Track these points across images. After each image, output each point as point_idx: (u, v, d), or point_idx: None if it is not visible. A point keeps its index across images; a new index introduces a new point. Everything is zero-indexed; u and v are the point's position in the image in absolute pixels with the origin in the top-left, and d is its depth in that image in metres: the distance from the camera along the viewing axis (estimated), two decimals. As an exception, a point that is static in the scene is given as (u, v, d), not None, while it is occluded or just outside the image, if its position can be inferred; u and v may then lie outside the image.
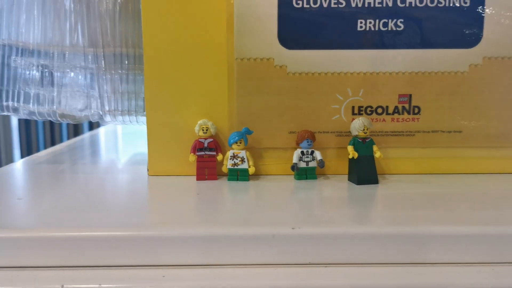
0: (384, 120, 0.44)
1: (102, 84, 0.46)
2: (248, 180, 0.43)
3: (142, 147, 0.64)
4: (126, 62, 0.46)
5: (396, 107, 0.44)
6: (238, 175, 0.43)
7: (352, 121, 0.43)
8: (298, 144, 0.43)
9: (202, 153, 0.43)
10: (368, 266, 0.29)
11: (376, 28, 0.43)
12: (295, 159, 0.43)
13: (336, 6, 0.42)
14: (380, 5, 0.42)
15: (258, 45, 0.43)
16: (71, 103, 0.47)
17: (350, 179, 0.43)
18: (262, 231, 0.30)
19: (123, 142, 0.76)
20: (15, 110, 0.48)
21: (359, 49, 0.43)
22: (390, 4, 0.42)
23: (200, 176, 0.43)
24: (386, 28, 0.43)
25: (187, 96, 0.44)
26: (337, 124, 0.44)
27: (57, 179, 0.45)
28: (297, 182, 0.42)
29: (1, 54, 0.46)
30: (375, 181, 0.42)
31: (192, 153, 0.43)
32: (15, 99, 0.47)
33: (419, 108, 0.44)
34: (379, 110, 0.44)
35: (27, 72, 0.47)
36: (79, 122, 0.49)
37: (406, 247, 0.30)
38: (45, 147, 1.88)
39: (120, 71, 0.47)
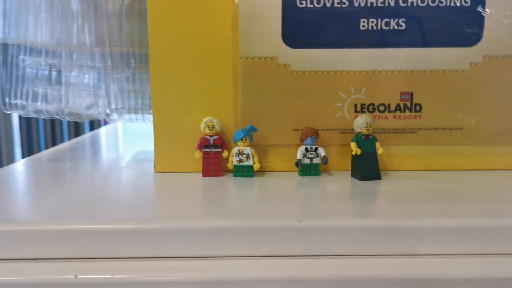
0: (386, 117, 0.45)
1: (109, 83, 0.47)
2: (253, 176, 0.44)
3: (144, 145, 0.65)
4: (133, 61, 0.47)
5: (398, 105, 0.45)
6: (243, 171, 0.44)
7: (355, 118, 0.44)
8: (302, 141, 0.44)
9: (208, 150, 0.44)
10: (372, 258, 0.30)
11: (378, 28, 0.44)
12: (299, 156, 0.44)
13: (339, 6, 0.43)
14: (382, 5, 0.43)
15: (262, 44, 0.44)
16: (79, 102, 0.48)
17: (353, 175, 0.44)
18: (268, 224, 0.30)
19: (125, 141, 0.76)
20: (23, 108, 0.48)
21: (361, 48, 0.44)
22: (392, 4, 0.43)
23: (206, 173, 0.44)
24: (388, 28, 0.44)
25: (192, 94, 0.45)
26: (340, 121, 0.45)
27: (65, 176, 0.46)
28: (301, 178, 0.43)
29: (10, 53, 0.47)
30: (378, 177, 0.43)
31: (198, 150, 0.44)
32: (24, 97, 0.48)
33: (420, 106, 0.45)
34: (381, 108, 0.45)
35: (35, 71, 0.48)
36: (86, 120, 0.50)
37: (409, 239, 0.30)
38: (46, 146, 1.89)
39: (126, 70, 0.47)
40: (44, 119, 1.84)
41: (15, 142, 1.86)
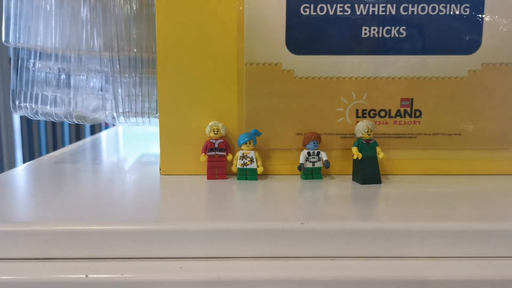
0: (387, 122, 0.46)
1: (116, 87, 0.48)
2: (256, 179, 0.45)
3: (146, 148, 0.66)
4: (140, 66, 0.48)
5: (398, 111, 0.46)
6: (247, 174, 0.45)
7: (356, 123, 0.45)
8: (304, 145, 0.45)
9: (213, 153, 0.45)
10: (373, 260, 0.31)
11: (380, 35, 0.45)
12: (301, 160, 0.45)
13: (341, 13, 0.44)
14: (383, 13, 0.44)
15: (266, 51, 0.45)
16: (87, 105, 0.49)
17: (354, 179, 0.45)
18: (273, 225, 0.31)
19: (126, 144, 0.77)
20: (33, 111, 0.50)
21: (363, 55, 0.45)
22: (393, 12, 0.44)
23: (211, 175, 0.45)
24: (389, 35, 0.45)
25: (198, 99, 0.46)
26: (342, 126, 0.46)
27: (72, 179, 0.47)
28: (304, 182, 0.44)
29: (20, 57, 0.49)
30: (378, 181, 0.44)
31: (203, 153, 0.45)
32: (33, 100, 0.49)
33: (420, 111, 0.46)
34: (382, 113, 0.46)
35: (45, 75, 0.49)
36: (94, 123, 0.51)
37: (408, 242, 0.31)
38: (47, 149, 1.90)
39: (134, 74, 0.49)
40: (45, 122, 1.85)
41: (16, 144, 1.87)
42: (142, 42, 0.48)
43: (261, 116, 0.46)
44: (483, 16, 0.45)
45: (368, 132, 0.44)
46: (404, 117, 0.46)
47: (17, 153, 1.88)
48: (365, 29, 0.45)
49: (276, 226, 0.31)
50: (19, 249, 0.31)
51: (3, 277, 0.29)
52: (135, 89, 0.49)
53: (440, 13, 0.44)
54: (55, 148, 1.88)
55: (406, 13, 0.44)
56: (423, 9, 0.44)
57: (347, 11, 0.44)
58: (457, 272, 0.30)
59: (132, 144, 0.76)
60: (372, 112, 0.46)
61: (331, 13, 0.44)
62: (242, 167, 0.45)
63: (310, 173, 0.45)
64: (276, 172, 0.47)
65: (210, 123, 0.45)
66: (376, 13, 0.44)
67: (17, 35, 0.48)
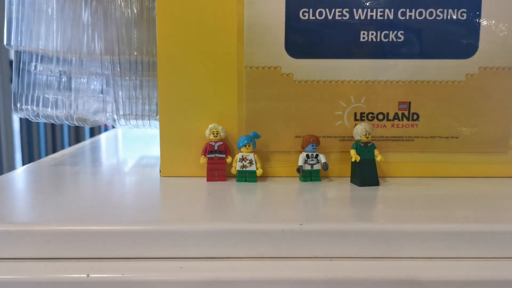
0: (384, 126, 0.47)
1: (117, 89, 0.49)
2: (256, 181, 0.45)
3: (145, 151, 0.67)
4: (141, 69, 0.49)
5: (396, 114, 0.47)
6: (246, 176, 0.45)
7: (354, 126, 0.45)
8: (303, 148, 0.45)
9: (213, 155, 0.45)
10: (370, 260, 0.32)
11: (378, 39, 0.45)
12: (300, 162, 0.45)
13: (340, 18, 0.45)
14: (381, 18, 0.45)
15: (266, 54, 0.45)
16: (87, 108, 0.50)
17: (352, 181, 0.45)
18: (272, 227, 0.32)
19: (126, 146, 0.78)
20: (34, 113, 0.50)
21: (361, 58, 0.46)
22: (391, 17, 0.45)
23: (210, 177, 0.46)
24: (387, 39, 0.45)
25: (198, 102, 0.46)
26: (340, 129, 0.47)
27: (73, 181, 0.47)
28: (302, 184, 0.45)
29: (22, 60, 0.49)
30: (376, 183, 0.44)
31: (203, 156, 0.45)
32: (34, 103, 0.49)
33: (418, 115, 0.47)
34: (380, 117, 0.47)
35: (46, 78, 0.49)
36: (94, 125, 0.51)
37: (406, 243, 0.32)
38: (47, 151, 1.90)
39: (134, 77, 0.49)
40: (45, 124, 1.86)
41: (15, 147, 1.87)
42: (142, 46, 0.48)
43: (261, 119, 0.46)
44: (480, 20, 0.45)
45: (366, 135, 0.44)
46: (402, 120, 0.47)
47: (17, 155, 1.88)
48: (364, 34, 0.45)
49: (275, 227, 0.32)
50: (21, 249, 0.31)
51: (6, 277, 0.30)
52: (135, 91, 0.49)
53: (438, 18, 0.45)
54: (54, 150, 1.88)
55: (404, 18, 0.45)
56: (420, 13, 0.45)
57: (345, 16, 0.45)
58: (454, 273, 0.31)
59: (131, 146, 0.77)
60: (370, 115, 0.47)
61: (330, 17, 0.45)
62: (241, 169, 0.45)
63: (308, 175, 0.45)
64: (275, 174, 0.47)
65: (210, 126, 0.45)
66: (374, 17, 0.45)
67: (19, 39, 0.49)
